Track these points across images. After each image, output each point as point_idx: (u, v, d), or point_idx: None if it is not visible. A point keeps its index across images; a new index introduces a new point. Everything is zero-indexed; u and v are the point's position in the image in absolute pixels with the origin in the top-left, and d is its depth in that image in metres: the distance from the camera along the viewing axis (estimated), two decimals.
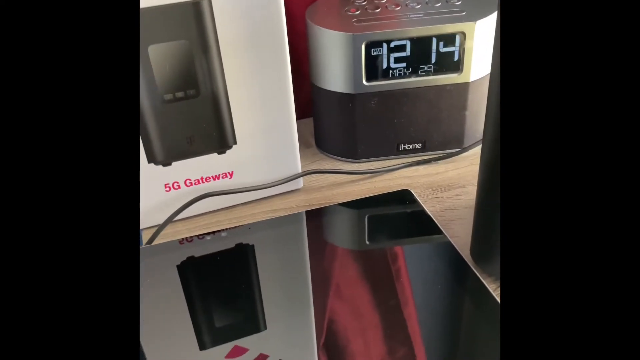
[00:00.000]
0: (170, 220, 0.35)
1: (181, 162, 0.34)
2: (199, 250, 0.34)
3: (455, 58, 0.38)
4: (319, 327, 0.28)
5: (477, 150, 0.42)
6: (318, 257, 0.33)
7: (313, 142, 0.45)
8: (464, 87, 0.39)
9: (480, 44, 0.37)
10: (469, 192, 0.38)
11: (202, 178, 0.36)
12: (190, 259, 0.33)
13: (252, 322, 0.28)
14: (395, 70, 0.38)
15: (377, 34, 0.36)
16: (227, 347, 0.27)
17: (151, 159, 0.34)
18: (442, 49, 0.37)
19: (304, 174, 0.38)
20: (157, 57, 0.31)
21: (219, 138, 0.34)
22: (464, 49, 0.37)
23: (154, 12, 0.29)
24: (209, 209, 0.37)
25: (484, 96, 0.40)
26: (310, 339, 0.27)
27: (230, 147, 0.35)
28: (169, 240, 0.35)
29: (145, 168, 0.34)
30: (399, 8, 0.39)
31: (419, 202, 0.36)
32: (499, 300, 0.28)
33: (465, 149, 0.41)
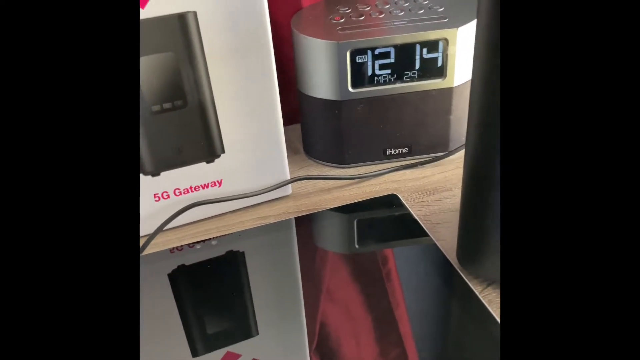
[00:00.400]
0: (160, 229, 0.35)
1: (170, 171, 0.35)
2: (189, 259, 0.34)
3: (439, 64, 0.38)
4: (311, 331, 0.28)
5: (463, 153, 0.42)
6: (308, 262, 0.33)
7: (301, 149, 0.45)
8: (448, 92, 0.39)
9: (462, 49, 0.38)
10: (455, 196, 0.38)
11: (191, 187, 0.36)
12: (181, 267, 0.34)
13: (244, 328, 0.29)
14: (380, 77, 0.39)
15: (362, 42, 0.37)
16: (220, 353, 0.27)
17: (140, 169, 0.34)
18: (426, 55, 0.38)
19: (292, 180, 0.39)
20: (144, 69, 0.31)
21: (207, 147, 0.35)
22: (447, 55, 0.38)
23: (140, 25, 0.30)
24: (199, 218, 0.37)
25: (467, 100, 0.41)
26: (302, 343, 0.27)
27: (218, 156, 0.35)
28: (159, 249, 0.35)
29: None
30: (382, 15, 0.39)
31: (405, 206, 0.36)
32: (484, 302, 0.28)
33: (450, 153, 0.42)
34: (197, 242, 0.35)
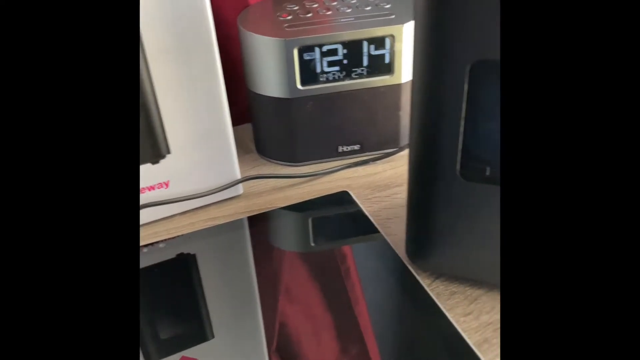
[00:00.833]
0: None
1: None
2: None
3: (387, 60, 0.39)
4: (270, 332, 0.28)
5: None
6: (263, 262, 0.33)
7: (254, 148, 0.45)
8: (396, 89, 0.40)
9: (409, 46, 0.38)
10: (406, 191, 0.38)
11: None
12: None
13: (199, 332, 0.28)
14: (329, 74, 0.38)
15: (309, 39, 0.37)
16: (174, 358, 0.27)
17: None
18: (373, 52, 0.38)
19: (243, 180, 0.38)
20: None
21: (151, 148, 0.34)
22: (394, 52, 0.38)
23: None
24: (147, 221, 0.36)
25: None
26: (260, 345, 0.27)
27: (163, 157, 0.35)
28: None
29: None
30: (330, 12, 0.39)
31: (356, 203, 0.36)
32: (432, 296, 0.29)
33: (401, 149, 0.42)
34: (146, 246, 0.34)
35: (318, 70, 0.38)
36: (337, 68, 0.38)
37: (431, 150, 0.26)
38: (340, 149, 0.42)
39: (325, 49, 0.37)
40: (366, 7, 0.40)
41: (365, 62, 0.38)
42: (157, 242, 0.35)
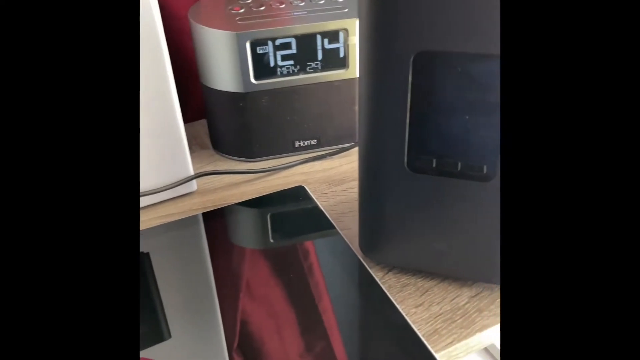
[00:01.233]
0: None
1: None
2: None
3: (341, 54, 0.39)
4: (230, 330, 0.27)
5: None
6: (219, 258, 0.33)
7: (209, 143, 0.44)
8: (352, 83, 0.40)
9: None
10: None
11: None
12: None
13: (155, 332, 0.27)
14: (283, 68, 0.38)
15: (262, 32, 0.36)
16: None
17: None
18: (328, 46, 0.38)
19: (196, 176, 0.37)
20: None
21: None
22: (348, 46, 0.38)
23: None
24: None
25: None
26: (219, 343, 0.27)
27: None
28: None
29: None
30: (283, 6, 0.39)
31: (312, 198, 0.36)
32: (384, 289, 0.29)
33: (357, 143, 0.42)
34: None
35: (272, 64, 0.38)
36: (291, 62, 0.38)
37: (379, 143, 0.26)
38: (296, 143, 0.42)
39: (278, 42, 0.37)
40: (320, 0, 0.40)
41: (319, 56, 0.38)
42: None
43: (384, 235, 0.29)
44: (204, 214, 0.36)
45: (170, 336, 0.27)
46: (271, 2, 0.40)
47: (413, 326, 0.26)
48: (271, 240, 0.34)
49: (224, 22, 0.37)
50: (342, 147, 0.42)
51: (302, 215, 0.36)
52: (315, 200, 0.36)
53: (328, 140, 0.42)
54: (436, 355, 0.25)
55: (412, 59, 0.23)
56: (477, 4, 0.21)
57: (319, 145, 0.42)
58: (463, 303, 0.29)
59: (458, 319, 0.28)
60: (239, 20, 0.37)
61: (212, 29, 0.36)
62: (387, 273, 0.31)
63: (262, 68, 0.38)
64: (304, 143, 0.42)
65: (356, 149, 0.42)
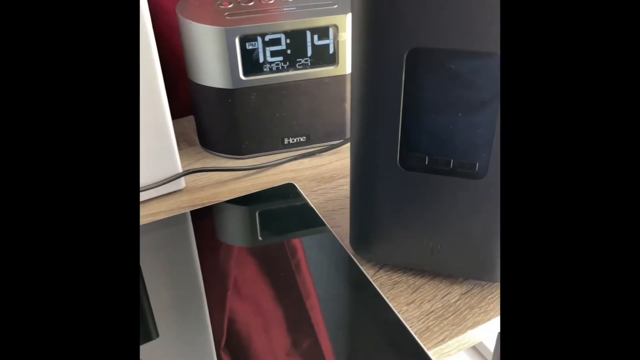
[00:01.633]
0: None
1: None
2: None
3: (331, 51, 0.38)
4: (218, 329, 0.27)
5: None
6: (208, 257, 0.32)
7: (197, 140, 0.44)
8: (341, 79, 0.39)
9: None
10: None
11: None
12: None
13: (142, 331, 0.27)
14: (272, 64, 0.38)
15: (251, 28, 0.36)
16: None
17: None
18: (317, 42, 0.38)
19: (184, 174, 0.37)
20: None
21: None
22: (338, 42, 0.38)
23: None
24: None
25: None
26: (207, 341, 0.26)
27: None
28: None
29: None
30: (272, 1, 0.39)
31: (302, 195, 0.36)
32: (376, 286, 0.29)
33: (347, 140, 0.42)
34: None
35: (261, 60, 0.37)
36: (280, 58, 0.38)
37: (371, 141, 0.26)
38: (285, 140, 0.41)
39: (267, 38, 0.37)
40: None
41: (309, 52, 0.38)
42: None
43: (375, 232, 0.29)
44: (193, 212, 0.36)
45: (158, 335, 0.27)
46: None
47: (405, 324, 0.26)
48: (260, 238, 0.34)
49: (213, 18, 0.36)
50: (332, 144, 0.42)
51: (292, 213, 0.35)
52: (306, 197, 0.36)
53: (317, 137, 0.42)
54: (429, 352, 0.25)
55: (405, 56, 0.23)
56: (472, 2, 0.21)
57: (308, 142, 0.42)
58: (454, 300, 0.29)
59: (450, 316, 0.28)
60: (227, 15, 0.37)
61: (200, 24, 0.36)
62: (378, 271, 0.31)
63: (251, 64, 0.37)
64: (293, 140, 0.41)
65: (346, 146, 0.42)
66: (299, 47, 0.38)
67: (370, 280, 0.29)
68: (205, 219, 0.35)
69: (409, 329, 0.26)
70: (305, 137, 0.42)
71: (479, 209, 0.26)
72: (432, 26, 0.22)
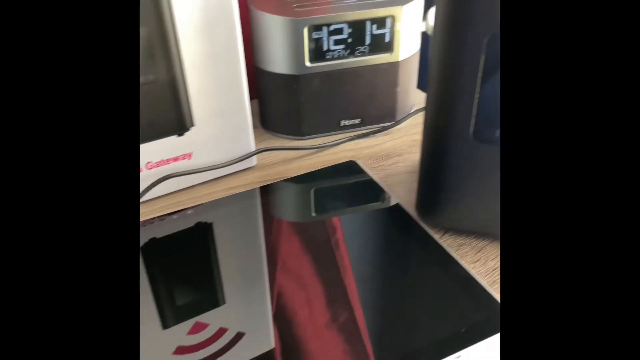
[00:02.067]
0: None
1: (142, 145, 0.36)
2: (160, 231, 0.35)
3: (387, 39, 0.42)
4: (271, 300, 0.29)
5: (409, 122, 0.47)
6: (271, 231, 0.35)
7: (257, 123, 0.47)
8: (395, 66, 0.43)
9: (406, 26, 0.42)
10: (406, 160, 0.42)
11: (162, 160, 0.37)
12: (152, 240, 0.34)
13: (212, 298, 0.29)
14: (335, 52, 0.41)
15: (318, 18, 0.40)
16: (189, 324, 0.28)
17: None
18: (375, 31, 0.41)
19: (258, 152, 0.41)
20: None
21: (177, 121, 0.36)
22: (393, 31, 0.41)
23: None
24: (169, 190, 0.38)
25: (411, 74, 0.45)
26: (265, 311, 0.29)
27: (188, 129, 0.36)
28: None
29: None
30: None
31: (365, 171, 0.40)
32: (444, 247, 0.32)
33: (398, 122, 0.46)
34: (168, 214, 0.36)
35: (325, 48, 0.41)
36: (342, 46, 0.41)
37: (447, 114, 0.30)
38: (342, 122, 0.45)
39: (332, 28, 0.40)
40: None
41: (367, 40, 0.41)
42: (179, 211, 0.36)
43: (442, 200, 0.33)
44: (262, 188, 0.39)
45: (225, 302, 0.29)
46: None
47: (476, 277, 0.30)
48: (314, 214, 0.36)
49: (283, 9, 0.40)
50: (384, 126, 0.45)
51: (358, 187, 0.39)
52: (368, 172, 0.39)
53: (370, 119, 0.45)
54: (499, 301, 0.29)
55: (486, 40, 0.27)
56: None
57: (362, 124, 0.45)
58: None
59: None
60: (295, 7, 0.40)
61: (272, 15, 0.39)
62: (442, 235, 0.35)
63: (316, 52, 0.41)
64: (348, 122, 0.45)
65: (396, 127, 0.46)
66: (359, 36, 0.41)
67: (439, 241, 0.33)
68: (273, 193, 0.38)
69: (481, 281, 0.30)
70: (359, 120, 0.45)
71: None
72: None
